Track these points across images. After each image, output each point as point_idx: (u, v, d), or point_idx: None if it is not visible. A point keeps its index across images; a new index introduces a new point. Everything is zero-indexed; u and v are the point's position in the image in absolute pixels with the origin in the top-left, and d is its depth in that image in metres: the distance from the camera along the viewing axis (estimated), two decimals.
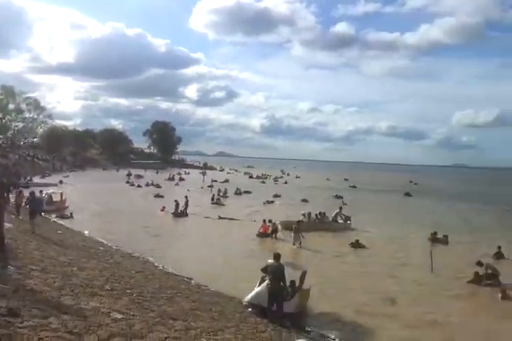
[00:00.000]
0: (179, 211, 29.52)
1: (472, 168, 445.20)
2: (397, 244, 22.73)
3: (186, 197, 31.36)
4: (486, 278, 15.21)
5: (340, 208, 29.18)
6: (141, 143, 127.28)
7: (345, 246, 21.38)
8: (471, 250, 21.36)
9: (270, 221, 23.66)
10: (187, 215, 29.38)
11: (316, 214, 27.54)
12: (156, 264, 15.52)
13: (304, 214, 27.17)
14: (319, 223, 26.85)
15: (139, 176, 66.25)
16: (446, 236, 23.30)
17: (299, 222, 23.02)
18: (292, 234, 21.46)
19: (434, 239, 22.72)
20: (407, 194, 56.16)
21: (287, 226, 23.47)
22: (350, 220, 27.91)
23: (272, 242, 22.04)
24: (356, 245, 21.35)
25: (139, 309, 7.98)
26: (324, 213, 28.01)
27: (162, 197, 39.47)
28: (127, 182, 56.87)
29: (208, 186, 48.52)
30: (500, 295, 13.74)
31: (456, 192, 65.47)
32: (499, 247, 19.92)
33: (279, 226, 23.98)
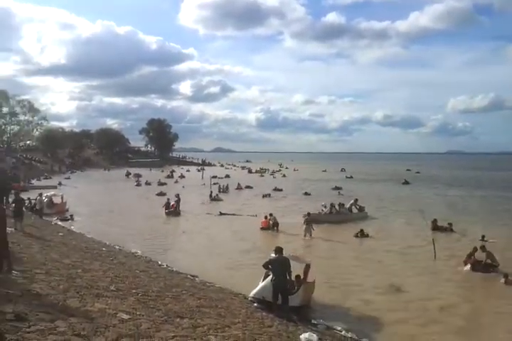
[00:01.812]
0: (170, 209, 29.06)
1: (468, 154, 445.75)
2: (400, 233, 22.85)
3: (178, 195, 31.03)
4: (484, 265, 15.27)
5: (356, 200, 29.51)
6: (138, 142, 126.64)
7: (351, 236, 21.53)
8: (474, 236, 21.37)
9: (271, 214, 23.69)
10: (179, 214, 28.86)
11: (334, 206, 27.81)
12: (160, 263, 15.51)
13: (324, 205, 27.69)
14: (338, 214, 27.32)
15: (138, 175, 65.99)
16: (450, 224, 23.38)
17: (308, 213, 22.97)
18: (304, 226, 21.55)
19: (435, 226, 22.81)
20: (405, 182, 56.26)
21: (312, 218, 23.11)
22: (364, 210, 28.76)
23: (274, 235, 22.07)
24: (361, 235, 21.49)
25: (145, 308, 7.96)
26: (343, 204, 28.55)
27: (165, 195, 39.19)
28: (136, 181, 56.13)
29: (214, 183, 47.69)
30: (503, 280, 13.82)
31: (453, 179, 65.71)
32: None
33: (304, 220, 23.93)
